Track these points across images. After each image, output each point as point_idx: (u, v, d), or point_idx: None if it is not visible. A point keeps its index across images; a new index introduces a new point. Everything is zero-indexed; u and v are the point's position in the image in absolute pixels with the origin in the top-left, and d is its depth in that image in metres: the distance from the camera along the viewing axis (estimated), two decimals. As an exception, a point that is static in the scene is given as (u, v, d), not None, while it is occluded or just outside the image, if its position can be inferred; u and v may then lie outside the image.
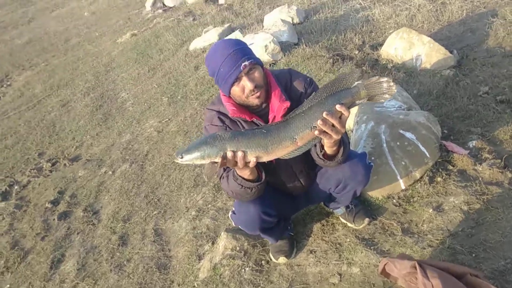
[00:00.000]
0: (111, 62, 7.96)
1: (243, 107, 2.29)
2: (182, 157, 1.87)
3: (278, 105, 2.24)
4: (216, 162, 1.87)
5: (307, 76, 2.44)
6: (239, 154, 1.86)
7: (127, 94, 6.42)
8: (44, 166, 5.16)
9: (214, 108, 2.39)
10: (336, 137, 1.87)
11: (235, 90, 2.20)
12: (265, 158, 1.92)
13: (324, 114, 1.80)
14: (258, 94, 2.20)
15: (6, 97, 8.02)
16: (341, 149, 2.10)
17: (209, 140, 1.85)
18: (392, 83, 1.86)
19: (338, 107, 1.82)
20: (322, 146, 2.10)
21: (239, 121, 2.31)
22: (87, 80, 7.47)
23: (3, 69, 9.68)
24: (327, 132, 1.84)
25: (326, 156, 2.14)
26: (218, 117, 2.35)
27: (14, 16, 15.13)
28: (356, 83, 1.87)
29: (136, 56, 7.70)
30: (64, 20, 12.57)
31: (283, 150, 1.89)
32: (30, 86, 8.15)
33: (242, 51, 2.19)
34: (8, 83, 8.79)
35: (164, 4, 10.19)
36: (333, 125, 1.83)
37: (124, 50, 8.26)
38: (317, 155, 2.14)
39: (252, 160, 1.88)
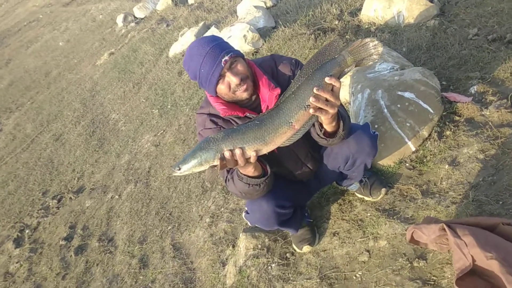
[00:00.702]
0: (95, 86, 7.84)
1: (233, 103, 2.20)
2: (179, 169, 1.78)
3: (268, 94, 2.15)
4: (216, 165, 1.78)
5: (292, 58, 2.34)
6: (237, 151, 1.75)
7: (117, 114, 6.32)
8: (50, 204, 5.07)
9: (204, 111, 2.30)
10: (332, 111, 1.75)
11: (221, 88, 2.11)
12: (265, 150, 1.81)
13: (315, 90, 1.68)
14: (245, 86, 2.10)
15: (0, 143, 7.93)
16: (341, 123, 1.99)
17: (203, 145, 1.76)
18: (376, 42, 1.76)
19: (327, 79, 1.70)
20: (321, 125, 1.99)
21: (232, 119, 2.22)
22: (75, 109, 7.36)
23: (-9, 116, 9.58)
24: (322, 108, 1.73)
25: (327, 134, 2.04)
26: (210, 120, 2.25)
27: (-10, 61, 15.00)
28: (341, 51, 1.77)
29: (118, 74, 7.58)
30: (41, 55, 12.42)
31: (282, 137, 1.78)
32: (21, 127, 8.04)
33: (219, 46, 2.09)
34: (-1, 128, 8.70)
35: (135, 17, 10.05)
36: (326, 100, 1.71)
37: (105, 71, 8.15)
38: (318, 135, 2.04)
39: (252, 155, 1.78)
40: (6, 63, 13.74)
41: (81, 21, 13.25)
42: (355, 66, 1.81)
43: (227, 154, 1.75)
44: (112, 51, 8.81)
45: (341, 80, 3.03)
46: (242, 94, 2.12)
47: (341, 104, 2.30)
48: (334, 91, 1.74)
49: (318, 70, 1.74)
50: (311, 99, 1.69)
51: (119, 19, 10.20)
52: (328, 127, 1.96)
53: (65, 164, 5.81)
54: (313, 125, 2.01)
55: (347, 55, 1.76)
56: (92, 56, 9.57)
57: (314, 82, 1.72)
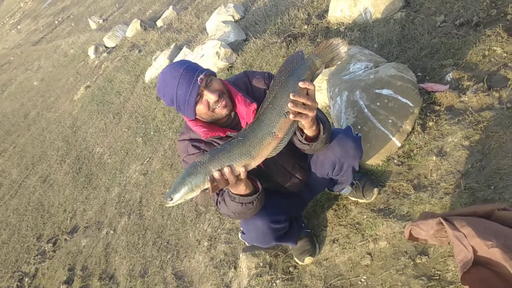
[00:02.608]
0: (75, 121, 7.77)
1: (213, 125, 2.18)
2: (171, 199, 1.75)
3: (246, 110, 2.15)
4: (207, 188, 1.76)
5: (264, 71, 2.35)
6: (226, 170, 1.73)
7: (101, 147, 6.26)
8: (46, 248, 5.00)
9: (185, 137, 2.28)
10: (311, 114, 1.76)
11: (200, 108, 2.09)
12: (253, 164, 1.79)
13: (291, 96, 1.69)
14: (223, 103, 2.09)
15: (-13, 193, 7.81)
16: (321, 127, 2.00)
17: (191, 170, 1.74)
18: (340, 41, 1.80)
19: (301, 84, 1.72)
20: (302, 131, 1.99)
21: (214, 141, 2.21)
22: (58, 147, 7.29)
23: (-26, 166, 9.45)
24: (301, 113, 1.73)
25: (309, 139, 2.04)
26: (192, 145, 2.24)
27: (-34, 111, 14.84)
28: (308, 56, 1.79)
29: (97, 107, 7.53)
30: (17, 97, 12.31)
31: (267, 148, 1.77)
32: (6, 173, 7.93)
33: (192, 67, 2.09)
34: (-16, 178, 8.57)
35: (106, 47, 10.00)
36: (303, 104, 1.72)
37: (83, 105, 8.08)
38: (300, 141, 2.04)
39: (241, 171, 1.76)
40: (-17, 110, 13.60)
41: (53, 57, 13.18)
42: (325, 67, 1.83)
43: (216, 174, 1.73)
44: (88, 84, 8.76)
45: (316, 84, 3.04)
46: (221, 111, 2.11)
47: (319, 109, 2.32)
48: (309, 95, 1.75)
49: (290, 76, 1.75)
50: (289, 105, 1.70)
51: (91, 51, 10.15)
52: (309, 131, 1.97)
53: (55, 206, 5.74)
54: (294, 132, 2.01)
55: (315, 58, 1.79)
56: (69, 91, 9.50)
57: (289, 88, 1.73)
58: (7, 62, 18.26)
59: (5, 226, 6.20)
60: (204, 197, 1.77)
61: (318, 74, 1.85)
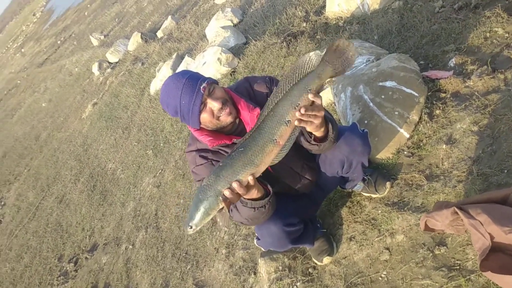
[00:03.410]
0: (85, 139, 7.84)
1: (218, 133, 2.19)
2: (191, 227, 1.76)
3: (249, 116, 2.15)
4: (222, 208, 1.75)
5: (265, 76, 2.35)
6: (235, 185, 1.72)
7: (113, 163, 6.30)
8: (68, 268, 5.04)
9: (192, 148, 2.29)
10: (317, 121, 1.76)
11: (205, 117, 2.10)
12: (259, 172, 1.78)
13: (297, 115, 1.68)
14: (228, 110, 2.10)
15: (6, 217, 7.90)
16: (330, 126, 1.99)
17: (201, 196, 1.73)
18: (346, 42, 1.72)
19: (310, 96, 1.69)
20: (310, 133, 1.98)
21: (220, 149, 2.21)
22: (72, 167, 7.35)
23: (-8, 192, 9.58)
24: (307, 121, 1.73)
25: (318, 140, 2.03)
26: (200, 156, 2.24)
27: (-21, 138, 15.05)
28: (318, 63, 1.73)
29: (105, 123, 7.58)
30: (27, 120, 12.46)
31: (270, 155, 1.74)
32: (23, 196, 8.03)
33: (194, 76, 2.10)
34: (2, 203, 8.67)
35: (109, 62, 10.08)
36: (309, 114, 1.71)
37: (92, 122, 8.15)
38: (309, 142, 2.03)
39: (249, 179, 1.76)
40: (-5, 136, 13.78)
41: (59, 77, 13.31)
42: (335, 76, 1.77)
43: (227, 193, 1.72)
44: (95, 101, 8.83)
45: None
46: (226, 118, 2.11)
47: (326, 111, 2.30)
48: (316, 105, 1.73)
49: (296, 85, 1.71)
50: (296, 114, 1.67)
51: (95, 68, 10.23)
52: (317, 133, 1.96)
53: (73, 225, 5.79)
54: (302, 134, 2.00)
55: (326, 65, 1.72)
56: (77, 110, 9.58)
57: (293, 98, 1.70)
58: (14, 86, 18.51)
59: (26, 249, 6.26)
60: (223, 217, 1.77)
61: (329, 84, 1.81)
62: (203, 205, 1.71)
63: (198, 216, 1.72)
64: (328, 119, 1.99)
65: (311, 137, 2.01)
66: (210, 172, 1.78)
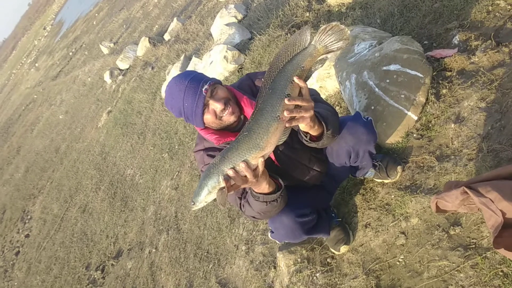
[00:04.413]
0: (103, 148, 7.95)
1: (224, 130, 2.21)
2: (194, 203, 1.84)
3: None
4: (223, 188, 1.79)
5: (265, 71, 2.35)
6: (242, 165, 1.74)
7: (132, 169, 6.39)
8: (95, 276, 5.14)
9: (199, 147, 2.33)
10: (307, 115, 1.73)
11: (208, 118, 2.13)
12: (266, 153, 1.77)
13: (286, 101, 1.66)
14: (230, 110, 2.12)
15: (33, 231, 8.06)
16: (324, 124, 1.96)
17: (206, 173, 1.80)
18: (342, 27, 1.71)
19: (295, 79, 1.68)
20: (306, 133, 1.97)
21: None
22: (92, 176, 7.47)
23: (18, 206, 9.77)
24: (297, 117, 1.71)
25: (315, 138, 2.01)
26: (207, 155, 2.28)
27: (2, 154, 15.35)
28: (310, 40, 1.72)
29: (121, 130, 7.67)
30: (46, 133, 12.66)
31: (275, 133, 1.73)
32: (48, 209, 8.19)
33: (197, 78, 2.12)
34: (28, 217, 8.86)
35: (120, 69, 10.18)
36: (299, 106, 1.70)
37: (108, 131, 8.25)
38: (307, 141, 2.02)
39: (259, 162, 1.76)
40: (17, 151, 14.06)
41: (73, 89, 13.50)
42: (327, 53, 1.77)
43: (230, 172, 1.75)
44: (109, 109, 8.94)
45: (324, 71, 2.98)
46: (229, 118, 2.14)
47: (322, 100, 2.30)
48: (303, 94, 1.72)
49: (289, 62, 1.71)
50: (284, 113, 1.67)
51: (107, 76, 10.35)
52: (312, 131, 1.93)
53: (98, 233, 5.89)
54: (299, 133, 2.00)
55: (317, 43, 1.71)
56: (93, 119, 9.71)
57: (287, 73, 1.70)
58: (31, 101, 18.81)
59: (55, 260, 6.40)
60: (221, 195, 1.80)
61: (321, 62, 1.82)
62: (205, 182, 1.78)
63: (202, 193, 1.80)
64: (322, 116, 1.96)
65: (307, 137, 2.00)
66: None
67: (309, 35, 1.74)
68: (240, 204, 2.25)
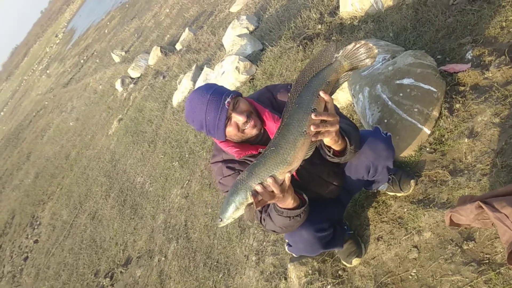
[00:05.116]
0: (113, 155, 8.00)
1: (244, 143, 2.22)
2: (221, 220, 1.82)
3: (275, 126, 2.17)
4: (251, 203, 1.78)
5: (286, 83, 2.37)
6: (269, 181, 1.72)
7: (142, 177, 6.42)
8: (104, 283, 5.15)
9: (218, 159, 2.32)
10: (333, 129, 1.74)
11: (230, 131, 2.13)
12: (293, 168, 1.77)
13: (312, 116, 1.68)
14: (252, 123, 2.13)
15: (42, 237, 8.12)
16: (347, 139, 1.97)
17: (233, 189, 1.78)
18: (370, 45, 1.73)
19: (321, 93, 1.70)
20: (329, 147, 1.99)
21: (247, 160, 2.23)
22: (102, 183, 7.51)
23: (28, 212, 9.85)
24: (323, 132, 1.71)
25: (337, 153, 2.03)
26: (227, 167, 2.27)
27: (12, 160, 15.48)
28: (335, 56, 1.74)
29: (132, 138, 7.72)
30: (56, 140, 12.77)
31: (302, 149, 1.73)
32: (57, 215, 8.24)
33: (218, 91, 2.13)
34: (38, 222, 8.92)
35: (131, 78, 10.26)
36: (324, 121, 1.71)
37: (118, 138, 8.31)
38: (330, 156, 2.04)
39: (286, 177, 1.75)
40: (27, 157, 14.17)
41: (84, 96, 13.61)
42: (352, 69, 1.78)
43: (258, 188, 1.73)
44: (120, 117, 9.00)
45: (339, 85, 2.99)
46: (251, 131, 2.14)
47: (345, 117, 2.30)
48: (328, 109, 1.74)
49: (315, 77, 1.73)
50: (311, 128, 1.68)
51: (118, 84, 10.44)
52: (335, 146, 1.95)
53: (107, 240, 5.91)
54: (322, 147, 2.01)
55: (343, 60, 1.74)
56: (103, 127, 9.78)
57: (313, 88, 1.71)
58: (42, 107, 18.97)
59: (64, 267, 6.43)
60: (249, 212, 1.79)
61: (346, 79, 1.82)
62: (233, 199, 1.76)
63: (229, 209, 1.77)
64: (345, 131, 1.98)
65: (330, 152, 2.02)
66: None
67: (334, 51, 1.75)
68: (261, 218, 2.25)
